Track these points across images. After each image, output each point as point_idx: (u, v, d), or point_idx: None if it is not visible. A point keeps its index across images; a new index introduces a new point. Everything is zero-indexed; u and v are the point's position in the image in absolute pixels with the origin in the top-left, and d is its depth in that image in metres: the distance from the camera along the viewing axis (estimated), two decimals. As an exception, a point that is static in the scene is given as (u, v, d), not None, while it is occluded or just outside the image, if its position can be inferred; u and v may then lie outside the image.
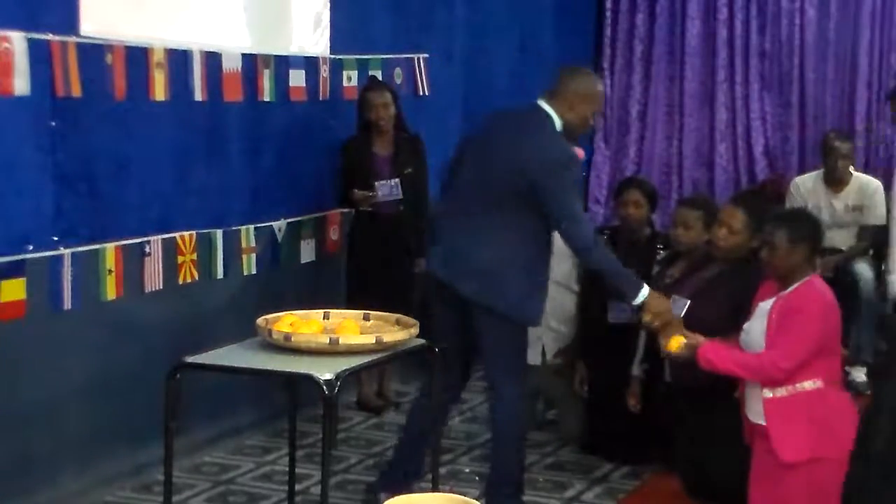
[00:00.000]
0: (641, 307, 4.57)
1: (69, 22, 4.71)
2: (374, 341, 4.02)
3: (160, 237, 5.21)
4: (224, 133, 5.61)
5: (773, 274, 4.34)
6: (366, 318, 4.40)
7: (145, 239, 5.13)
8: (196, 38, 5.39)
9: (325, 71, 6.20)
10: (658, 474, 5.42)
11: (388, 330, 4.24)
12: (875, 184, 7.29)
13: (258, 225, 5.82)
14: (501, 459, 4.78)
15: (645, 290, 4.56)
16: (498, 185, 4.56)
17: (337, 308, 4.63)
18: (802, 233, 4.29)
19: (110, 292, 4.95)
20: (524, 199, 4.50)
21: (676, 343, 4.50)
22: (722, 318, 4.73)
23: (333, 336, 3.99)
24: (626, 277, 4.62)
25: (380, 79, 6.48)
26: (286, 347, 4.00)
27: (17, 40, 4.42)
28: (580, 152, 5.03)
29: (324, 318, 4.33)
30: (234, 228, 5.66)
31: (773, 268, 4.30)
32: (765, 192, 7.97)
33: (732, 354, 4.27)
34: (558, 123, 4.63)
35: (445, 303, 4.71)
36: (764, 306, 4.31)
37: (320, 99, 6.18)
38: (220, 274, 5.58)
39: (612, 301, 5.63)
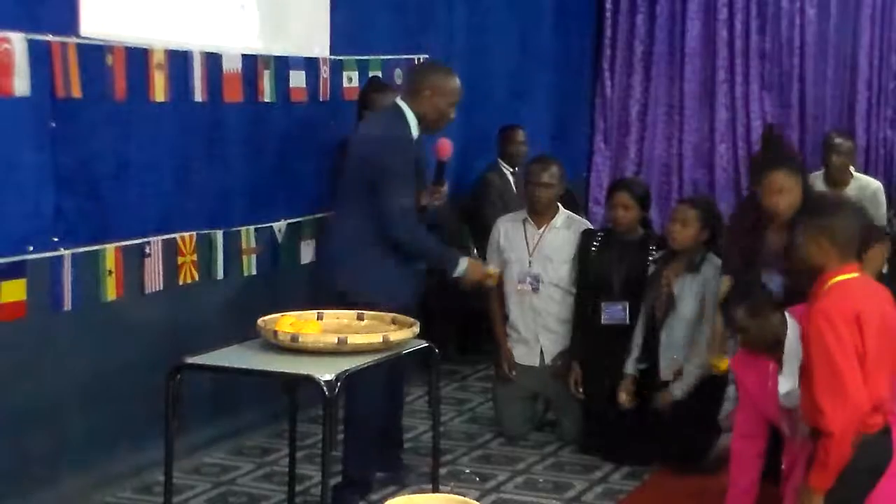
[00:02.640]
0: (462, 277, 4.99)
1: (69, 23, 4.71)
2: (380, 340, 4.02)
3: (160, 238, 5.21)
4: (224, 134, 5.61)
5: None
6: (360, 317, 4.40)
7: (145, 240, 5.13)
8: (196, 38, 5.39)
9: (325, 72, 6.20)
10: (658, 475, 5.42)
11: (386, 329, 4.23)
12: (875, 184, 7.30)
13: (258, 226, 5.81)
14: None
15: (463, 263, 4.96)
16: (350, 177, 4.88)
17: (337, 309, 4.62)
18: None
19: (110, 293, 4.95)
20: (367, 185, 4.77)
21: (723, 363, 5.04)
22: None
23: (342, 336, 3.98)
24: (441, 255, 4.99)
25: (382, 80, 6.47)
26: (292, 348, 3.99)
27: (17, 41, 4.42)
28: (445, 143, 5.11)
29: (318, 319, 4.33)
30: (234, 229, 5.66)
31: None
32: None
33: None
34: (412, 118, 4.89)
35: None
36: None
37: (320, 100, 6.18)
38: (220, 275, 5.58)
39: (605, 303, 5.64)
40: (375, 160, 4.76)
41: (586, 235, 5.85)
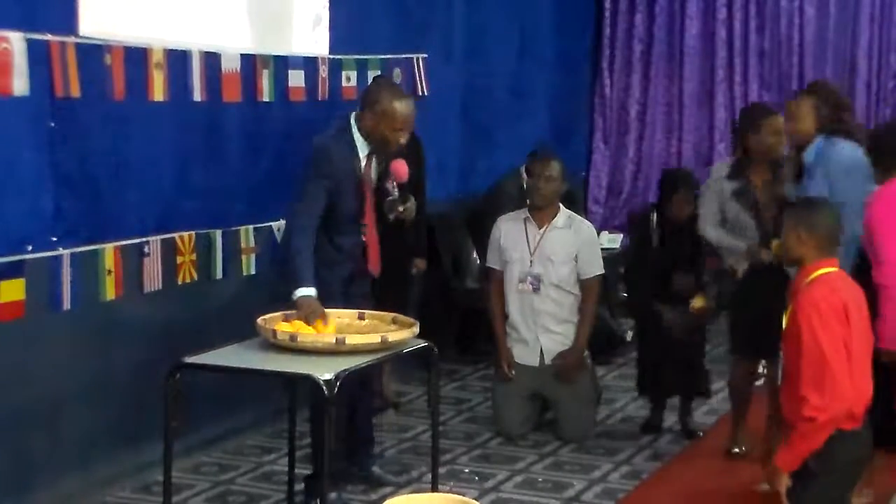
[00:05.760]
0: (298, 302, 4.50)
1: (68, 22, 4.71)
2: (379, 340, 4.01)
3: (159, 237, 5.21)
4: (223, 133, 5.61)
5: None
6: (361, 317, 4.40)
7: (144, 239, 5.12)
8: (195, 38, 5.39)
9: (324, 71, 6.19)
10: (657, 474, 5.43)
11: (386, 329, 4.23)
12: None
13: (257, 225, 5.81)
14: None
15: (303, 291, 4.47)
16: None
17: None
18: None
19: (109, 293, 4.95)
20: None
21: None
22: None
23: (340, 335, 3.98)
24: (301, 271, 4.55)
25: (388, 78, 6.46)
26: (291, 348, 3.99)
27: (16, 40, 4.41)
28: (398, 167, 4.96)
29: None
30: (233, 229, 5.65)
31: None
32: None
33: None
34: (357, 133, 4.80)
35: None
36: None
37: (319, 99, 6.17)
38: (219, 274, 5.58)
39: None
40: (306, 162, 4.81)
41: (643, 224, 5.99)
